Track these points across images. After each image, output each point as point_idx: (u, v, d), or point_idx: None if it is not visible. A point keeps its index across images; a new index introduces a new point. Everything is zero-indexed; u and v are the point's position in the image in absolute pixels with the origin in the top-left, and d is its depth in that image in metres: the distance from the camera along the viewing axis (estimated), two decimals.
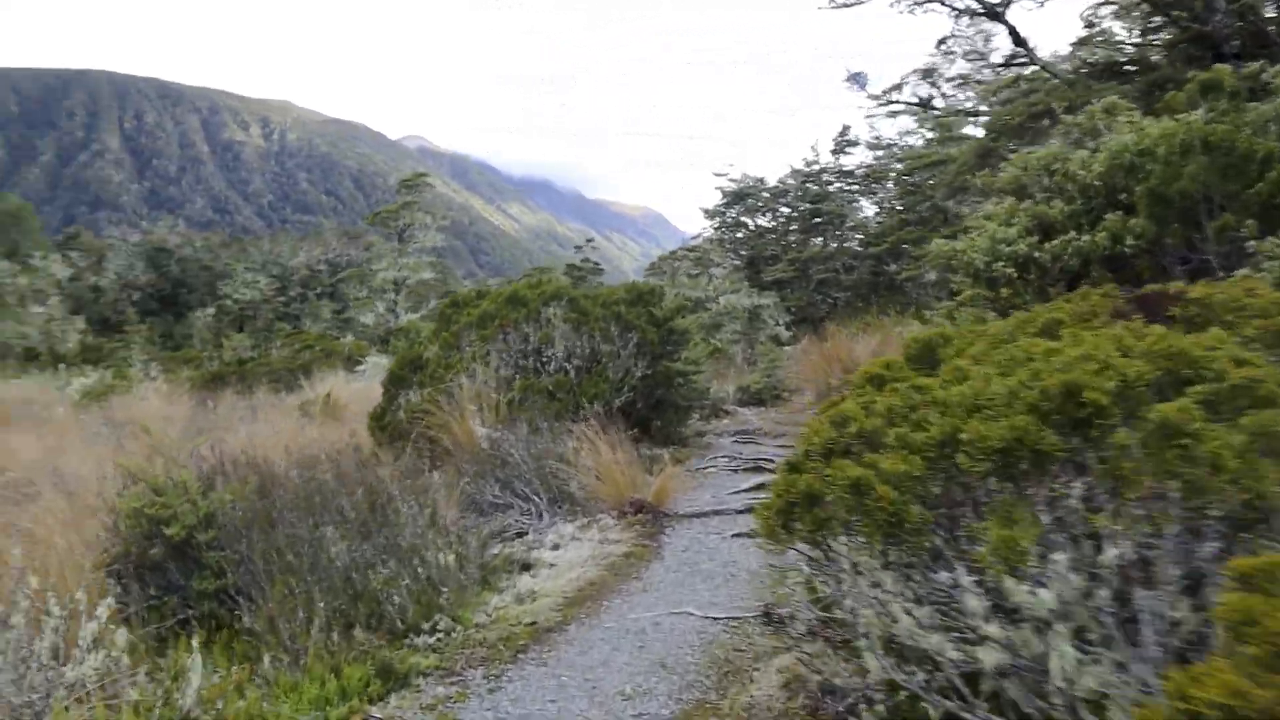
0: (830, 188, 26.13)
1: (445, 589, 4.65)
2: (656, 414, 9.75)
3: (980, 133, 23.85)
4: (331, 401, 15.33)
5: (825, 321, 24.26)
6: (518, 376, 9.32)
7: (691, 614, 4.87)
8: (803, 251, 26.02)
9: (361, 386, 16.87)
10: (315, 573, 4.30)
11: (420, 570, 4.60)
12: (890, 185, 26.94)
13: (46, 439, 12.23)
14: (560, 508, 6.95)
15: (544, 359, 9.33)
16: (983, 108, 18.26)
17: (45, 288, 42.64)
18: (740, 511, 7.11)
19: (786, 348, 17.39)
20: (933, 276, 18.86)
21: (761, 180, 30.05)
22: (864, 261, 23.17)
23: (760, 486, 7.97)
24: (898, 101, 19.41)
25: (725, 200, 31.12)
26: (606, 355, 9.25)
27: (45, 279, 42.84)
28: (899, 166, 27.14)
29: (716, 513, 7.09)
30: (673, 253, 26.75)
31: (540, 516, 6.83)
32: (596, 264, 40.30)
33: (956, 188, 9.35)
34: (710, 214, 32.38)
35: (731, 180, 30.73)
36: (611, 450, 7.37)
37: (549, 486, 7.00)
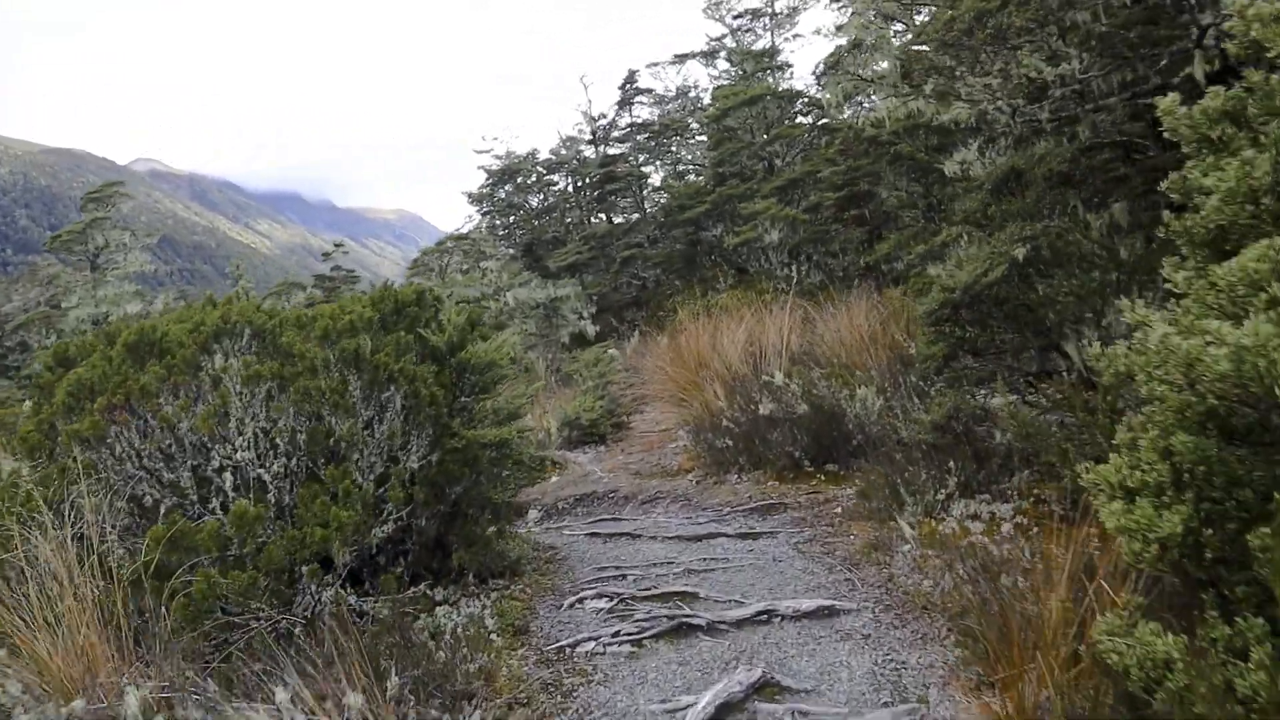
0: (621, 146, 21.93)
1: None
2: (457, 532, 5.11)
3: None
4: None
5: (633, 309, 20.09)
6: (166, 509, 4.45)
7: None
8: (594, 228, 21.72)
9: None
10: None
11: None
12: (693, 137, 23.07)
13: None
14: None
15: (216, 466, 4.51)
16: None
17: None
18: None
19: (611, 350, 12.97)
20: (775, 238, 14.97)
21: (533, 153, 25.59)
22: (674, 229, 19.10)
23: (726, 710, 3.54)
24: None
25: (491, 180, 26.45)
26: (346, 439, 4.55)
27: None
28: (693, 123, 23.30)
29: None
30: (439, 244, 21.70)
31: None
32: (350, 271, 34.59)
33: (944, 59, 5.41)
34: (475, 198, 27.56)
35: (496, 157, 26.07)
36: None
37: None
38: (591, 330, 17.71)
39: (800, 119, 17.63)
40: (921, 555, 4.90)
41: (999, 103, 5.58)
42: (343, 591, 4.21)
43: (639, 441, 9.65)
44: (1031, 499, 5.72)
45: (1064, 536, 3.61)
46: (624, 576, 5.29)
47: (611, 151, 21.90)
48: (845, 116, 15.53)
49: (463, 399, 5.35)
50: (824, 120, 16.64)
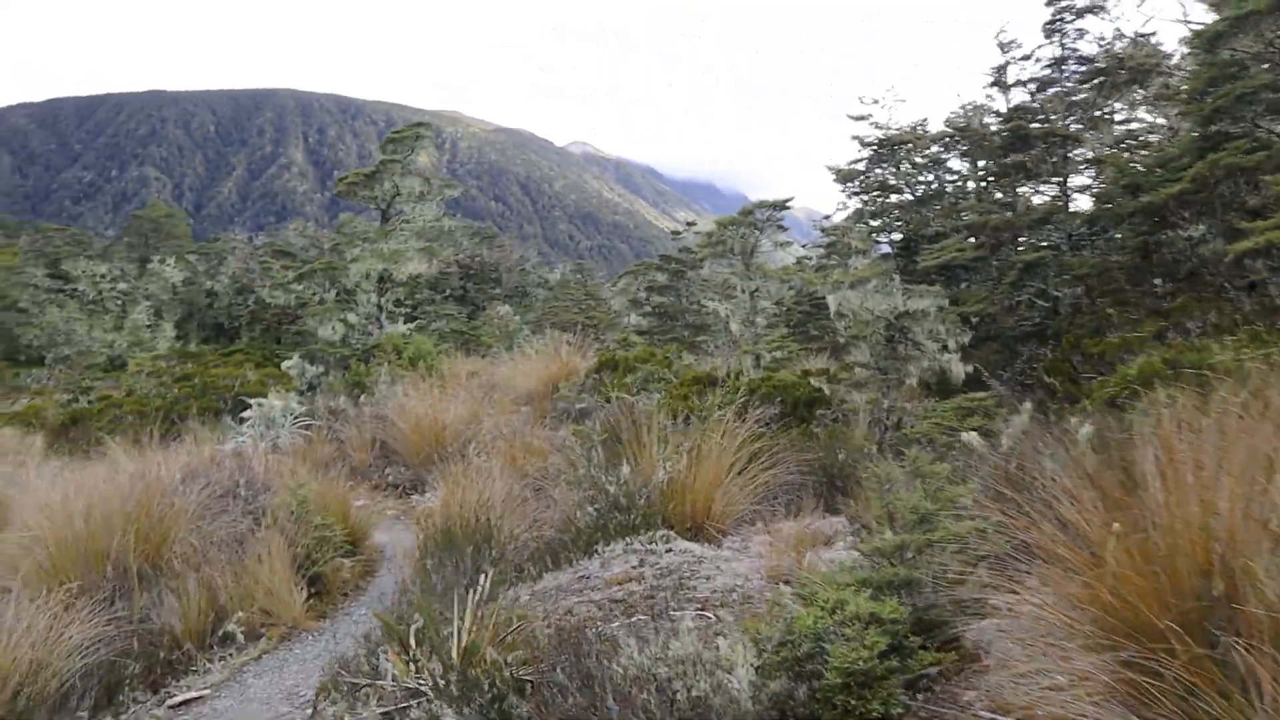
0: (1044, 92, 14.91)
1: None
2: None
3: None
4: None
5: (1034, 343, 13.23)
6: None
7: None
8: (985, 218, 14.94)
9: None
10: None
11: None
12: (1147, 103, 15.57)
13: None
14: None
15: None
16: None
17: (158, 293, 36.15)
18: None
19: (967, 435, 6.35)
20: None
21: (923, 123, 19.13)
22: (1116, 226, 12.07)
23: None
24: None
25: (867, 155, 20.13)
26: None
27: (158, 284, 36.40)
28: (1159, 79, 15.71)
29: None
30: (744, 212, 15.62)
31: None
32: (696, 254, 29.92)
33: None
34: (843, 175, 21.27)
35: (876, 125, 19.73)
36: None
37: None
38: (960, 370, 11.26)
39: None
40: None
41: None
42: None
43: None
44: None
45: None
46: None
47: (1026, 105, 14.98)
48: None
49: None
50: None
